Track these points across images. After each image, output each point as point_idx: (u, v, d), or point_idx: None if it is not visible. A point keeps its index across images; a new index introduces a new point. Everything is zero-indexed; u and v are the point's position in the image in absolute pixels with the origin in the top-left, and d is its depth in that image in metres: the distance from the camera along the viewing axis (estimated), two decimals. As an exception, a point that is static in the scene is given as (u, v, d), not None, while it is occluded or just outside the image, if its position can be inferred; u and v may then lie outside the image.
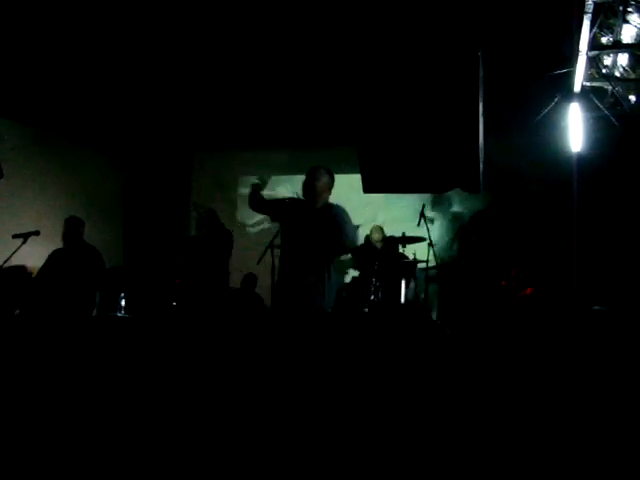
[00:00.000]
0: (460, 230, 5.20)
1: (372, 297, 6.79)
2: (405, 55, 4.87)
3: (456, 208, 8.66)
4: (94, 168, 8.96)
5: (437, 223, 8.27)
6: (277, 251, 5.41)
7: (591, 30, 5.11)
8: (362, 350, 5.21)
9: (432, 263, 6.74)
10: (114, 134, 8.80)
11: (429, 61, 4.84)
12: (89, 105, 7.76)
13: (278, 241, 5.16)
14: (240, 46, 6.33)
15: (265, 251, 6.09)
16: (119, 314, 6.25)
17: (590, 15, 4.88)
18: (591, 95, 6.13)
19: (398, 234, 7.26)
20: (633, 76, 6.00)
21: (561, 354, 4.96)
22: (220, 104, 7.76)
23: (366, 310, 6.76)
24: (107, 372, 4.80)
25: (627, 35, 5.43)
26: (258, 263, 6.70)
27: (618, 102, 6.28)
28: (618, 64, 5.93)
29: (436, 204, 8.34)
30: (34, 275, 6.17)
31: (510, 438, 3.65)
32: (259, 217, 9.45)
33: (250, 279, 7.53)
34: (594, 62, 5.85)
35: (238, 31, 6.09)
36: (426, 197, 7.74)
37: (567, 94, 6.10)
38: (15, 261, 5.94)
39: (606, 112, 6.22)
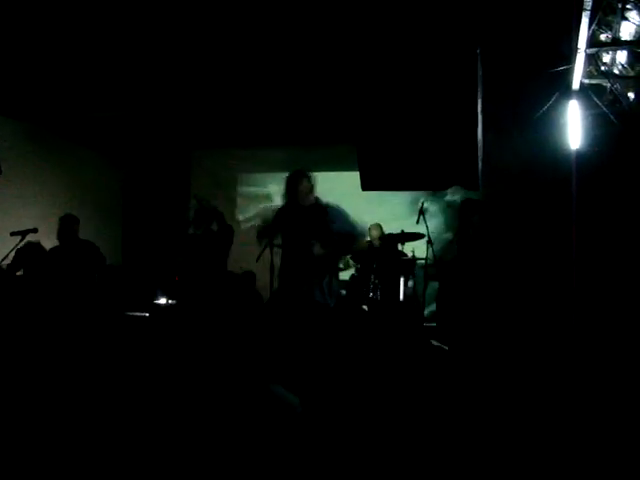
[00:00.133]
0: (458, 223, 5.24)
1: (371, 295, 6.80)
2: (404, 53, 4.88)
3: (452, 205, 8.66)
4: (93, 166, 8.97)
5: (435, 220, 8.27)
6: (276, 249, 5.41)
7: (590, 27, 5.10)
8: (359, 347, 5.21)
9: (431, 261, 6.74)
10: (113, 132, 8.79)
11: (428, 59, 4.84)
12: (88, 103, 7.74)
13: (277, 240, 5.17)
14: (238, 43, 6.32)
15: (264, 249, 6.08)
16: (118, 312, 6.25)
17: (589, 12, 4.87)
18: (590, 92, 6.12)
19: (397, 231, 7.27)
20: (632, 73, 5.98)
21: (555, 353, 4.98)
22: (218, 102, 7.75)
23: (365, 308, 6.77)
24: (108, 368, 4.81)
25: (626, 32, 5.42)
26: (257, 261, 6.70)
27: (617, 99, 6.27)
28: (617, 61, 5.91)
29: (434, 202, 8.34)
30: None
31: (501, 432, 3.65)
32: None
33: (248, 277, 7.52)
34: (593, 59, 5.83)
35: (236, 29, 6.08)
36: (425, 194, 7.75)
37: (566, 91, 6.10)
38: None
39: (605, 109, 6.21)
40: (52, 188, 8.24)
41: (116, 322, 6.14)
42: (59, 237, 6.03)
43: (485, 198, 8.00)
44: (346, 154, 7.10)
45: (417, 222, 6.95)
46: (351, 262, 7.39)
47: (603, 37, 5.53)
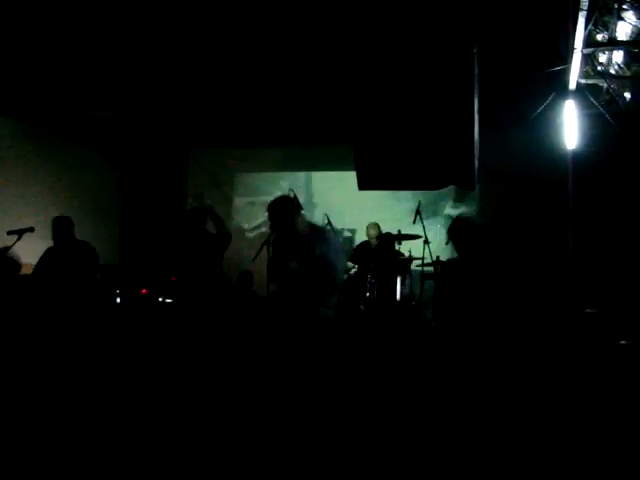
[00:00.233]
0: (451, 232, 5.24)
1: (368, 294, 6.80)
2: (401, 52, 4.88)
3: (450, 205, 8.67)
4: (90, 165, 8.96)
5: (432, 220, 8.28)
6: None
7: (586, 27, 5.10)
8: (357, 346, 5.21)
9: (428, 260, 6.75)
10: (111, 132, 8.78)
11: (425, 58, 4.84)
12: (86, 103, 7.73)
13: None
14: (236, 43, 6.32)
15: (261, 248, 6.09)
16: (114, 310, 6.25)
17: (585, 12, 4.87)
18: (586, 92, 6.13)
19: (394, 231, 7.28)
20: (628, 73, 6.00)
21: (551, 353, 4.98)
22: (216, 101, 7.74)
23: (362, 307, 6.77)
24: (106, 367, 4.81)
25: (622, 32, 5.43)
26: (253, 260, 6.71)
27: (613, 99, 6.28)
28: (613, 61, 5.92)
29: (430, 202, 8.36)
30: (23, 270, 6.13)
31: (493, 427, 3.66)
32: (256, 215, 9.46)
33: (246, 277, 7.52)
34: (589, 59, 5.84)
35: (233, 28, 6.08)
36: (422, 194, 7.76)
37: (562, 91, 6.11)
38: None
39: (601, 109, 6.22)
40: (50, 187, 8.23)
41: (114, 321, 6.14)
42: (54, 239, 6.02)
43: (481, 197, 8.02)
44: (346, 154, 7.08)
45: (414, 222, 6.98)
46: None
47: (599, 37, 5.54)
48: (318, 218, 7.98)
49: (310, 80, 6.77)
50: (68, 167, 8.58)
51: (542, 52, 5.90)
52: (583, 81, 6.06)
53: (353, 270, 7.41)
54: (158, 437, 3.56)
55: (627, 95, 6.35)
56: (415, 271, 7.11)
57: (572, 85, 5.99)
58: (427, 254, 6.73)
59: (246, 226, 9.48)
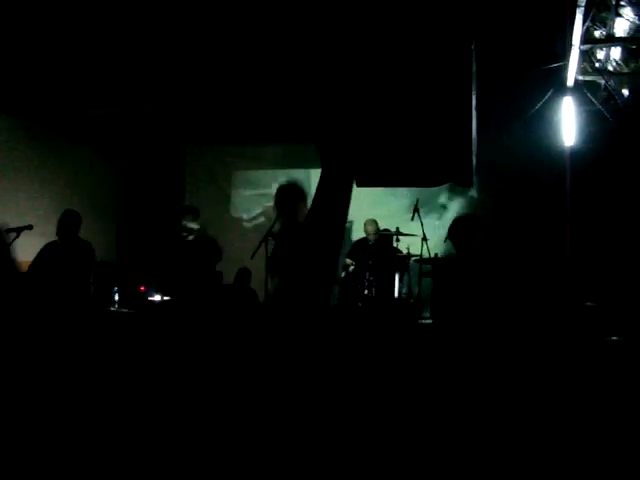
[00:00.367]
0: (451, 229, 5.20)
1: (366, 292, 6.80)
2: (398, 48, 4.87)
3: (445, 196, 8.66)
4: (88, 163, 8.95)
5: (430, 218, 8.27)
6: (271, 245, 5.42)
7: (584, 24, 5.10)
8: (355, 345, 5.21)
9: (426, 257, 6.75)
10: (108, 129, 8.77)
11: (422, 55, 4.83)
12: (84, 100, 7.72)
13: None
14: (234, 39, 6.31)
15: (259, 245, 6.07)
16: (112, 309, 6.24)
17: (583, 9, 4.87)
18: (584, 89, 6.13)
19: (392, 228, 7.28)
20: (626, 70, 6.00)
21: (551, 349, 4.98)
22: (213, 98, 7.73)
23: (360, 304, 6.78)
24: (102, 367, 4.80)
25: (620, 29, 5.43)
26: (252, 257, 6.69)
27: (611, 96, 6.28)
28: (611, 58, 5.93)
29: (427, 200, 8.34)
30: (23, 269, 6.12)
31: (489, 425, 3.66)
32: (254, 211, 9.46)
33: (244, 274, 7.51)
34: (587, 56, 5.85)
35: (230, 26, 6.07)
36: (419, 191, 7.75)
37: (560, 88, 6.11)
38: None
39: (599, 106, 6.22)
40: (47, 185, 8.22)
41: (111, 319, 6.14)
42: (59, 233, 5.92)
43: (479, 194, 8.03)
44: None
45: (412, 219, 6.97)
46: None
47: (597, 34, 5.54)
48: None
49: (308, 78, 6.75)
50: (66, 164, 8.56)
51: (540, 49, 5.90)
52: (581, 78, 6.06)
53: (351, 267, 7.40)
54: (158, 437, 3.56)
55: (625, 92, 6.35)
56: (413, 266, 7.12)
57: (570, 82, 6.00)
58: (425, 251, 6.73)
59: (245, 216, 9.47)
